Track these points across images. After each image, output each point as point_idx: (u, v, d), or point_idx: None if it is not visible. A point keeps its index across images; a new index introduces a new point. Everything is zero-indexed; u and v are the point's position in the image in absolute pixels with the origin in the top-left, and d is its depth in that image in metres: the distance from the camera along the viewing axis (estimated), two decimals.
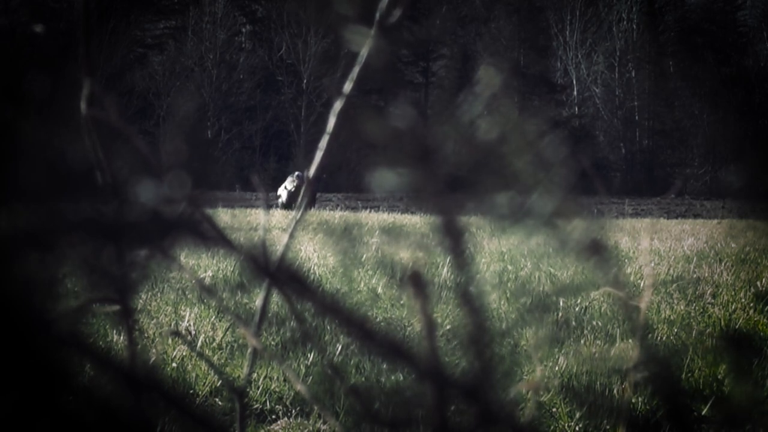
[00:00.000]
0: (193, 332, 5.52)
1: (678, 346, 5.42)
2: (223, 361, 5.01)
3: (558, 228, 1.04)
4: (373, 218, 17.88)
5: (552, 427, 4.09)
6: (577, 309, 6.45)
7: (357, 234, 1.31)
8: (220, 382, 4.42)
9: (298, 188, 25.62)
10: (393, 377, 3.17)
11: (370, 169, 1.00)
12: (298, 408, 4.33)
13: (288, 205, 24.85)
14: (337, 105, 1.11)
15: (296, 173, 27.29)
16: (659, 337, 5.77)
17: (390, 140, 0.99)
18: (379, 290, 7.07)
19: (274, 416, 4.32)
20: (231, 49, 52.61)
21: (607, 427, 4.00)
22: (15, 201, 1.03)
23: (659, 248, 11.49)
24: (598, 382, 4.56)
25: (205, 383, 4.48)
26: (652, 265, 9.21)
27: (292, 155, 49.79)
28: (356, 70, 1.08)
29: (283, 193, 26.03)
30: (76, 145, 1.06)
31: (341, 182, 37.70)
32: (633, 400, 4.05)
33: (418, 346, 1.02)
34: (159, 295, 6.65)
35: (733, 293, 7.41)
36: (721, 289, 7.63)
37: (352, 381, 1.14)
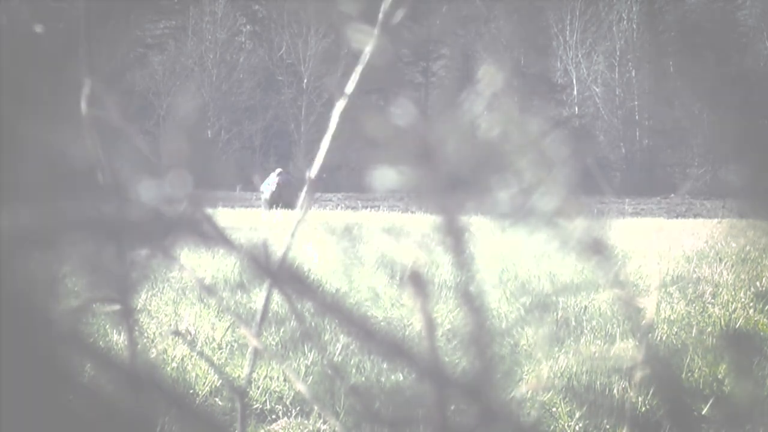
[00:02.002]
0: (193, 332, 5.52)
1: (678, 346, 5.41)
2: (223, 360, 5.00)
3: (558, 227, 1.04)
4: (373, 218, 17.87)
5: (552, 427, 4.09)
6: (576, 309, 6.44)
7: (357, 234, 1.31)
8: (220, 381, 4.42)
9: (278, 187, 25.28)
10: (393, 377, 3.17)
11: (371, 168, 1.00)
12: (298, 408, 4.33)
13: (271, 204, 24.29)
14: (339, 105, 1.10)
15: (278, 170, 26.88)
16: (659, 337, 5.77)
17: (391, 139, 0.99)
18: (379, 290, 7.07)
19: (274, 416, 4.32)
20: (231, 49, 52.58)
21: (607, 426, 4.00)
22: (15, 201, 1.03)
23: (659, 248, 11.49)
24: (598, 382, 4.56)
25: (205, 383, 4.48)
26: (651, 264, 9.21)
27: (292, 155, 49.75)
28: (359, 69, 1.08)
29: (266, 190, 25.71)
30: (76, 145, 1.06)
31: (341, 182, 37.66)
32: (633, 400, 4.04)
33: (418, 345, 1.02)
34: (159, 294, 6.64)
35: (733, 293, 7.41)
36: (721, 289, 7.63)
37: (352, 380, 1.14)
